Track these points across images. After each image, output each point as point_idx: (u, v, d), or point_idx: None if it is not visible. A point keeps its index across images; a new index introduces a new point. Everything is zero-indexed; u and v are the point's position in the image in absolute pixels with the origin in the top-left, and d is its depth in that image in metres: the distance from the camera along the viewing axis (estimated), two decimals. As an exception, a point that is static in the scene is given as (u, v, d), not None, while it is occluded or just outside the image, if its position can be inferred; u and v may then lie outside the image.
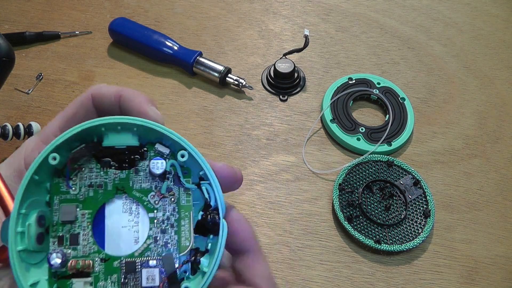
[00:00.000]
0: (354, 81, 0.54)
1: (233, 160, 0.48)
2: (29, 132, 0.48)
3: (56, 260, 0.22)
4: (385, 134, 0.49)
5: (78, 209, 0.23)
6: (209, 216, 0.23)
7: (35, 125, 0.49)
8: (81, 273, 0.22)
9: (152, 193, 0.23)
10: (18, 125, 0.48)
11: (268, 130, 0.51)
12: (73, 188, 0.23)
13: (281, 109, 0.53)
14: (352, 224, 0.43)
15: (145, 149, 0.24)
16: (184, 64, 0.54)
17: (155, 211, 0.23)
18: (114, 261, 0.22)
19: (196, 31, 0.60)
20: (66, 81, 0.54)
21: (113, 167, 0.24)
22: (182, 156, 0.23)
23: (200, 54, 0.54)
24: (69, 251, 0.22)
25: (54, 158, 0.22)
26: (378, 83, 0.54)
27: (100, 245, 0.22)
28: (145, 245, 0.22)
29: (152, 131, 0.24)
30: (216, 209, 0.23)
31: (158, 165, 0.23)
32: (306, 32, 0.52)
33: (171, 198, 0.23)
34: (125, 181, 0.23)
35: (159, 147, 0.24)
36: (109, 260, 0.22)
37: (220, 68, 0.53)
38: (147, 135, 0.24)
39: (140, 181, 0.24)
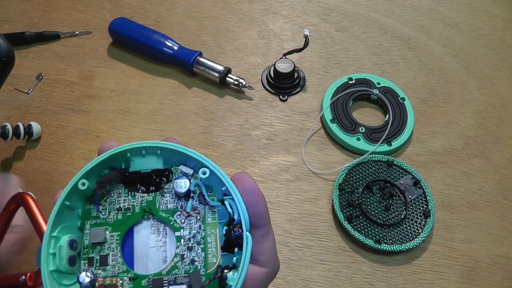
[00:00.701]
0: (354, 81, 0.54)
1: (233, 160, 0.48)
2: (29, 132, 0.48)
3: (86, 278, 0.22)
4: (385, 134, 0.49)
5: (107, 232, 0.24)
6: (233, 230, 0.23)
7: (35, 125, 0.49)
8: None
9: (178, 212, 0.24)
10: (18, 125, 0.48)
11: (268, 130, 0.51)
12: (103, 213, 0.24)
13: (281, 109, 0.53)
14: (352, 224, 0.43)
15: (170, 171, 0.25)
16: (184, 64, 0.54)
17: (182, 229, 0.24)
18: (142, 279, 0.23)
19: (196, 31, 0.60)
20: (66, 81, 0.54)
21: (140, 191, 0.25)
22: (204, 173, 0.24)
23: (200, 54, 0.54)
24: (99, 271, 0.23)
25: (83, 184, 0.24)
26: (378, 83, 0.54)
27: (129, 266, 0.23)
28: (172, 263, 0.23)
29: (174, 153, 0.25)
30: (240, 222, 0.23)
31: (181, 184, 0.24)
32: (306, 32, 0.52)
33: (197, 216, 0.24)
34: (152, 204, 0.24)
35: (183, 168, 0.25)
36: (138, 279, 0.23)
37: (220, 68, 0.53)
38: (171, 158, 0.25)
39: (166, 203, 0.24)
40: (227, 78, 0.53)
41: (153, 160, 0.25)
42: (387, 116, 0.51)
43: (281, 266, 0.42)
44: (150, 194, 0.25)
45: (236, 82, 0.53)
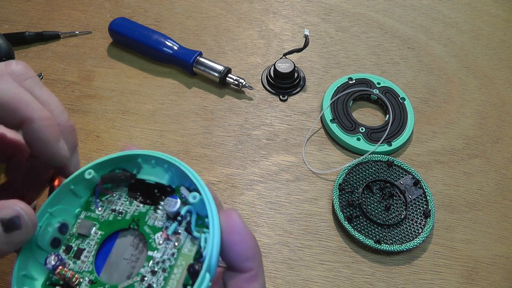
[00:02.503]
0: (354, 81, 0.54)
1: (233, 160, 0.48)
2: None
3: (51, 261, 0.22)
4: (385, 134, 0.49)
5: (94, 227, 0.24)
6: (192, 266, 0.21)
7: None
8: (68, 285, 0.22)
9: (161, 232, 0.23)
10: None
11: (268, 130, 0.51)
12: (99, 209, 0.24)
13: (281, 109, 0.53)
14: (352, 224, 0.43)
15: (173, 190, 0.24)
16: (184, 64, 0.54)
17: (156, 251, 0.22)
18: (99, 286, 0.22)
19: (196, 31, 0.60)
20: (66, 81, 0.54)
21: (138, 199, 0.24)
22: (194, 197, 0.22)
23: (200, 54, 0.54)
24: (70, 262, 0.23)
25: (89, 173, 0.24)
26: (378, 83, 0.54)
27: (97, 268, 0.23)
28: (131, 281, 0.22)
29: (178, 171, 0.24)
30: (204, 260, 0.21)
31: (172, 204, 0.23)
32: (306, 32, 0.52)
33: (175, 242, 0.22)
34: (142, 216, 0.24)
35: (183, 190, 0.24)
36: (95, 284, 0.22)
37: (220, 68, 0.53)
38: (180, 177, 0.24)
39: (155, 219, 0.23)
40: (227, 78, 0.53)
41: (160, 173, 0.24)
42: (387, 116, 0.51)
43: (281, 266, 0.42)
44: (145, 205, 0.24)
45: (236, 82, 0.53)
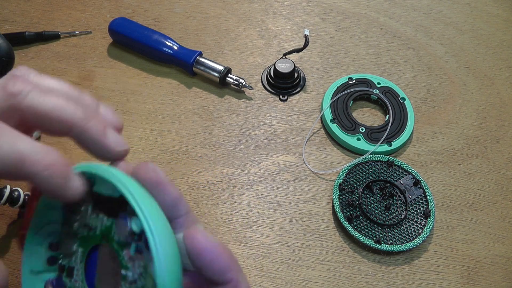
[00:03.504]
0: (354, 81, 0.54)
1: (233, 160, 0.48)
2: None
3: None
4: (385, 134, 0.49)
5: (75, 244, 0.23)
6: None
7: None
8: None
9: (127, 249, 0.21)
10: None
11: (268, 130, 0.51)
12: (76, 224, 0.24)
13: (281, 109, 0.53)
14: (352, 224, 0.43)
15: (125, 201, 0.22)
16: (184, 64, 0.54)
17: (127, 269, 0.21)
18: None
19: (196, 31, 0.60)
20: (66, 81, 0.54)
21: (102, 212, 0.23)
22: (136, 225, 0.21)
23: (200, 54, 0.54)
24: (67, 281, 0.23)
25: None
26: (378, 83, 0.54)
27: (90, 285, 0.23)
28: None
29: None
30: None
31: (122, 225, 0.22)
32: (306, 32, 0.52)
33: (140, 261, 0.21)
34: (108, 230, 0.22)
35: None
36: None
37: (220, 68, 0.53)
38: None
39: (120, 233, 0.22)
40: (227, 78, 0.53)
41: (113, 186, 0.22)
42: (387, 116, 0.51)
43: (281, 266, 0.42)
44: (109, 218, 0.22)
45: (236, 82, 0.53)
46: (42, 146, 0.21)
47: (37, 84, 0.23)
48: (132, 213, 0.21)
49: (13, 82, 0.22)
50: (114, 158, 0.24)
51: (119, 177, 0.21)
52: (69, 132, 0.23)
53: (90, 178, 0.23)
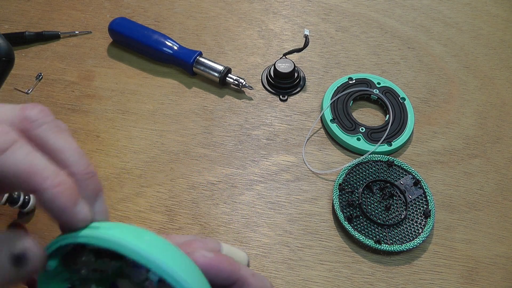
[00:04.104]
0: (354, 81, 0.54)
1: (233, 160, 0.48)
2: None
3: None
4: (385, 134, 0.49)
5: (93, 285, 0.23)
6: None
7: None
8: None
9: (148, 281, 0.22)
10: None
11: (268, 130, 0.51)
12: (83, 271, 0.23)
13: (281, 109, 0.53)
14: (352, 224, 0.43)
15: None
16: (184, 64, 0.54)
17: None
18: None
19: (196, 31, 0.60)
20: (66, 81, 0.54)
21: (107, 258, 0.22)
22: (154, 274, 0.21)
23: (200, 54, 0.54)
24: None
25: (50, 266, 0.22)
26: (378, 83, 0.54)
27: None
28: None
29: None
30: None
31: (136, 274, 0.22)
32: (306, 32, 0.52)
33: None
34: (120, 269, 0.22)
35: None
36: None
37: (220, 68, 0.53)
38: None
39: (135, 275, 0.22)
40: (227, 78, 0.53)
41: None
42: (387, 116, 0.51)
43: (281, 266, 0.42)
44: (117, 260, 0.22)
45: (236, 82, 0.53)
46: (55, 167, 0.21)
47: (55, 122, 0.23)
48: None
49: (32, 107, 0.23)
50: (76, 229, 0.23)
51: (116, 240, 0.20)
52: (34, 193, 0.22)
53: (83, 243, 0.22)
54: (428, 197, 0.45)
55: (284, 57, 0.54)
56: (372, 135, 0.50)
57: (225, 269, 0.23)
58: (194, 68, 0.54)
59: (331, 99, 0.52)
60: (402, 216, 0.44)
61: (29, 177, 0.21)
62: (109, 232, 0.21)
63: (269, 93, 0.54)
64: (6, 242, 0.20)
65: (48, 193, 0.21)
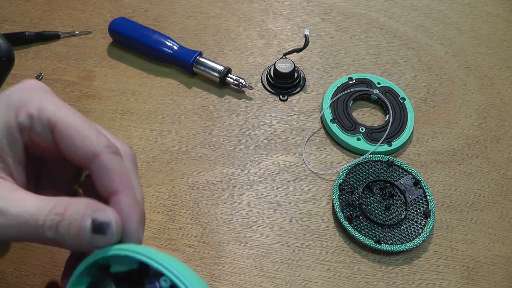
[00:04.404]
0: (354, 81, 0.54)
1: (233, 160, 0.48)
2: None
3: None
4: (385, 134, 0.49)
5: None
6: None
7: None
8: None
9: None
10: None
11: (268, 130, 0.51)
12: None
13: (281, 109, 0.53)
14: (352, 224, 0.43)
15: (147, 268, 0.23)
16: (184, 64, 0.54)
17: None
18: None
19: (196, 31, 0.60)
20: (66, 81, 0.54)
21: (128, 287, 0.23)
22: (165, 281, 0.22)
23: (200, 54, 0.54)
24: None
25: None
26: (378, 83, 0.54)
27: None
28: None
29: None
30: None
31: None
32: (306, 32, 0.52)
33: None
34: None
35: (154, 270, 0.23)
36: None
37: (220, 68, 0.53)
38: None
39: None
40: (227, 78, 0.53)
41: (129, 260, 0.23)
42: (387, 116, 0.51)
43: (281, 266, 0.42)
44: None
45: (236, 82, 0.53)
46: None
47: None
48: (156, 275, 0.22)
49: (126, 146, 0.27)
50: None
51: (132, 248, 0.22)
52: (109, 197, 0.24)
53: (104, 263, 0.24)
54: (428, 197, 0.45)
55: (284, 57, 0.54)
56: (372, 135, 0.50)
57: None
58: (194, 68, 0.54)
59: (331, 99, 0.52)
60: (402, 216, 0.44)
61: (119, 180, 0.23)
62: (136, 248, 0.22)
63: (269, 93, 0.54)
64: (91, 207, 0.21)
65: (127, 200, 0.23)
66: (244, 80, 0.53)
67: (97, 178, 0.24)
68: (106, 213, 0.22)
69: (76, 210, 0.21)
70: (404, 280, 0.41)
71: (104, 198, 0.24)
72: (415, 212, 0.44)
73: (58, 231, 0.21)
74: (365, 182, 0.46)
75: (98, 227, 0.21)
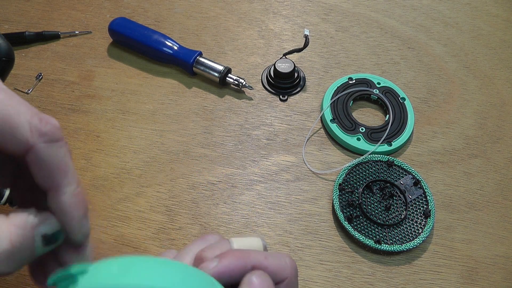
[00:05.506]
0: (354, 81, 0.54)
1: (233, 160, 0.48)
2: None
3: None
4: (385, 134, 0.49)
5: None
6: None
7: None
8: None
9: None
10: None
11: (268, 130, 0.51)
12: None
13: (281, 109, 0.53)
14: (352, 224, 0.43)
15: None
16: (184, 64, 0.54)
17: None
18: None
19: (196, 31, 0.60)
20: (65, 81, 0.54)
21: None
22: None
23: (200, 54, 0.54)
24: None
25: None
26: (378, 83, 0.54)
27: None
28: None
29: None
30: None
31: None
32: (306, 32, 0.52)
33: None
34: None
35: None
36: None
37: (220, 68, 0.53)
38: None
39: None
40: (227, 78, 0.53)
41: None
42: (387, 116, 0.51)
43: (281, 266, 0.42)
44: None
45: (236, 82, 0.53)
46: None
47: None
48: None
49: (48, 119, 0.23)
50: (78, 243, 0.23)
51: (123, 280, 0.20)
52: (48, 192, 0.23)
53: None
54: (428, 197, 0.45)
55: (284, 57, 0.54)
56: (372, 135, 0.50)
57: (235, 267, 0.23)
58: (194, 68, 0.54)
59: (331, 99, 0.52)
60: (402, 216, 0.44)
61: (58, 174, 0.21)
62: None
63: (269, 93, 0.54)
64: (40, 223, 0.21)
65: (67, 196, 0.22)
66: (244, 80, 0.53)
67: (33, 171, 0.22)
68: (53, 221, 0.22)
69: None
70: (404, 280, 0.41)
71: (43, 190, 0.22)
72: (415, 212, 0.44)
73: None
74: (365, 182, 0.46)
75: (50, 239, 0.21)
